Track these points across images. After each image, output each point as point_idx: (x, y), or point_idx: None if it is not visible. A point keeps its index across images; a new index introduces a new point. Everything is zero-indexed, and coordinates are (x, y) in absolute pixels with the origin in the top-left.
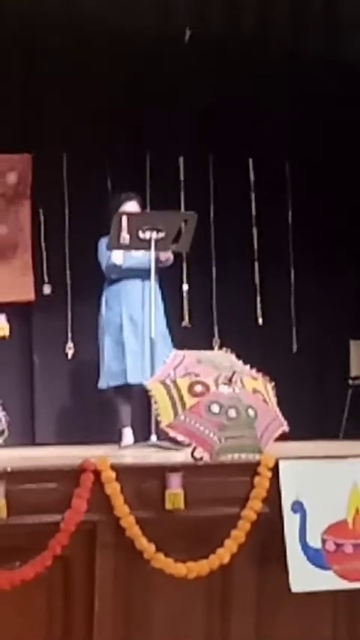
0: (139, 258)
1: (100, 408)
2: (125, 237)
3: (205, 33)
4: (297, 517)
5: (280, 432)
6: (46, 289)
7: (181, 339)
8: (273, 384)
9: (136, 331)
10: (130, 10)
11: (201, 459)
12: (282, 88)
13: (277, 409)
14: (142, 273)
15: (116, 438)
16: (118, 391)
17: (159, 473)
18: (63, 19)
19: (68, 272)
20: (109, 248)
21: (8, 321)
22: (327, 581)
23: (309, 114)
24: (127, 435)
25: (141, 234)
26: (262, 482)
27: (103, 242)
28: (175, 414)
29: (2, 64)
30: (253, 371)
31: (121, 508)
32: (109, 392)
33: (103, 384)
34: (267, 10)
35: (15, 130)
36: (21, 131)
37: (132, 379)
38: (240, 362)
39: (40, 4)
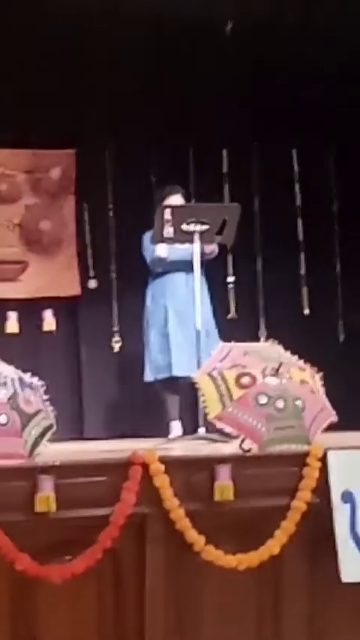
0: (184, 250)
1: (148, 401)
2: (169, 230)
3: (248, 22)
4: (347, 507)
5: (328, 422)
6: (92, 284)
7: (228, 331)
8: (321, 374)
9: (182, 324)
10: (170, 3)
11: (249, 450)
12: (326, 78)
13: (325, 399)
14: (186, 266)
15: (164, 431)
16: (165, 384)
17: (208, 465)
18: (106, 10)
19: (113, 266)
20: (154, 241)
21: (55, 315)
22: None
23: (355, 104)
24: (176, 427)
25: (185, 227)
26: (311, 473)
27: (148, 236)
28: (223, 405)
29: (46, 59)
30: (301, 362)
31: (170, 500)
32: (156, 385)
33: (149, 377)
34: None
35: (59, 125)
36: (64, 126)
37: (178, 372)
38: (287, 353)
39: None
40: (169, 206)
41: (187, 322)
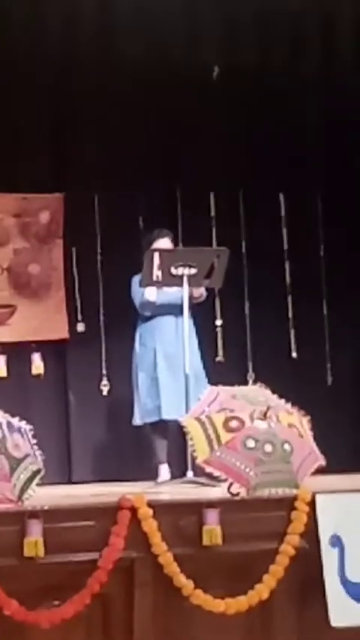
0: (173, 294)
1: (136, 445)
2: (158, 273)
3: (235, 66)
4: (335, 551)
5: (316, 466)
6: (80, 327)
7: (216, 374)
8: (308, 418)
9: (170, 367)
10: (159, 46)
11: (238, 494)
12: (313, 123)
13: (313, 443)
14: (175, 310)
15: (153, 475)
16: (154, 427)
17: (196, 509)
18: (93, 58)
19: (101, 310)
20: (142, 285)
21: (43, 359)
22: None
23: (341, 148)
24: (164, 471)
25: (173, 271)
26: (299, 517)
27: (136, 279)
28: (211, 449)
29: (34, 104)
30: (288, 405)
31: (158, 545)
32: (144, 428)
33: (137, 420)
34: (297, 44)
35: (47, 169)
36: (53, 171)
37: (167, 415)
38: (275, 396)
39: (71, 44)
40: (158, 250)
41: (176, 366)
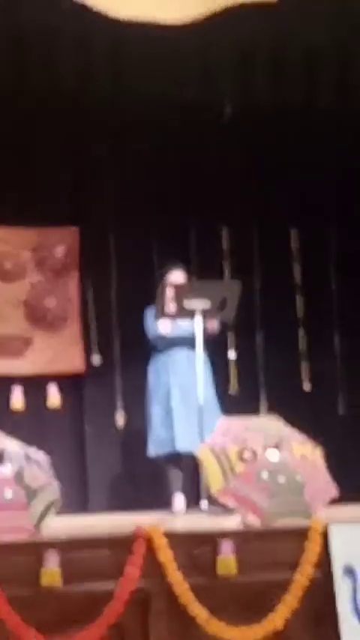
0: (186, 327)
1: (152, 475)
2: (171, 306)
3: (247, 105)
4: (349, 581)
5: (329, 496)
6: (96, 359)
7: (229, 405)
8: (321, 448)
9: (184, 399)
10: (175, 83)
11: (252, 525)
12: (326, 159)
13: (326, 474)
14: (188, 342)
15: (168, 505)
16: (168, 458)
17: (210, 539)
18: (107, 94)
19: (117, 342)
20: (156, 318)
21: (59, 391)
22: None
23: (355, 184)
24: (179, 501)
25: (186, 304)
26: (312, 547)
27: (151, 312)
28: (225, 480)
29: (50, 139)
30: (301, 436)
31: (174, 575)
32: (159, 459)
33: (152, 451)
34: (311, 81)
35: (63, 204)
36: (68, 205)
37: (181, 446)
38: (288, 428)
39: (85, 80)
40: (172, 283)
41: (190, 398)
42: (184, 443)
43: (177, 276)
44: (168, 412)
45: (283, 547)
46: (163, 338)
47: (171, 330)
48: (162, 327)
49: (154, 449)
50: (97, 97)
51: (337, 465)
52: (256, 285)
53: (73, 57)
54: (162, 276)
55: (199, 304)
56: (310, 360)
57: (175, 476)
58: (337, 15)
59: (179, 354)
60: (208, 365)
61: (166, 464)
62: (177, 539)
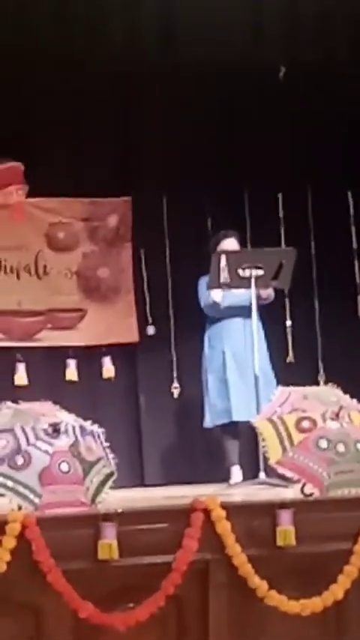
0: (240, 295)
1: (207, 447)
2: (225, 275)
3: (299, 65)
4: None
5: None
6: (150, 330)
7: (287, 374)
8: None
9: (240, 369)
10: (225, 46)
11: (311, 494)
12: None
13: None
14: (243, 311)
15: (225, 476)
16: (225, 429)
17: (269, 510)
18: (156, 61)
19: (171, 312)
20: (209, 287)
21: (113, 363)
22: None
23: None
24: (236, 472)
25: (241, 272)
26: None
27: (204, 281)
28: (284, 450)
29: (101, 108)
30: None
31: (232, 547)
32: (215, 430)
33: (208, 422)
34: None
35: (114, 173)
36: (120, 174)
37: (237, 417)
38: (346, 396)
39: (134, 48)
40: (225, 251)
41: (245, 367)
42: (240, 413)
43: (230, 243)
44: (223, 382)
45: (343, 517)
46: (215, 306)
47: (225, 299)
48: (215, 295)
49: (210, 420)
50: (146, 63)
51: None
52: (313, 251)
53: (122, 22)
54: (214, 244)
55: (253, 272)
56: None
57: (232, 447)
58: None
59: (234, 324)
60: (264, 334)
61: (223, 435)
62: (235, 511)
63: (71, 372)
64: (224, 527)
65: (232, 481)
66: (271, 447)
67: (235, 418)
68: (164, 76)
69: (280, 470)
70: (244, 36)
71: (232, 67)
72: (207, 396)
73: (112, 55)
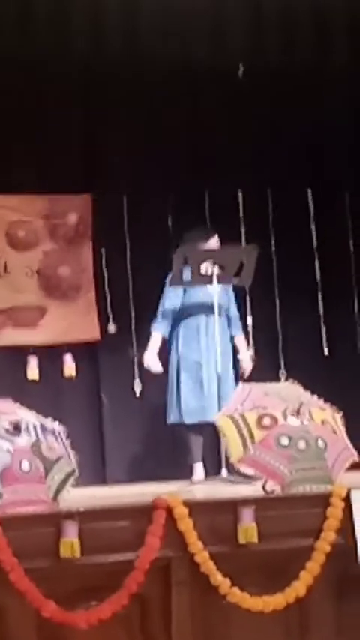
0: (205, 294)
1: (170, 444)
2: (187, 273)
3: (260, 65)
4: None
5: (350, 461)
6: (111, 328)
7: None
8: (341, 414)
9: (210, 368)
10: (186, 45)
11: (273, 491)
12: (339, 118)
13: (347, 439)
14: (206, 309)
15: (187, 474)
16: (191, 427)
17: (231, 507)
18: (119, 59)
19: (132, 310)
20: (171, 284)
21: (75, 361)
22: None
23: None
24: (199, 470)
25: (202, 270)
26: (335, 513)
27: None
28: (245, 447)
29: (62, 105)
30: (321, 402)
31: (195, 544)
32: (179, 427)
33: (172, 419)
34: (321, 42)
35: (75, 170)
36: (80, 172)
37: (212, 417)
38: (307, 393)
39: (98, 45)
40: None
41: (210, 366)
42: (213, 413)
43: (214, 243)
44: (197, 381)
45: (304, 514)
46: (176, 308)
47: (189, 297)
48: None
49: (178, 417)
50: (108, 59)
51: (358, 430)
52: (274, 249)
53: (85, 18)
54: (193, 241)
55: (215, 270)
56: (330, 324)
57: (197, 444)
58: None
59: (201, 321)
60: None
61: (188, 432)
62: (197, 508)
63: (32, 370)
64: (186, 524)
65: (194, 478)
66: (232, 445)
67: (210, 418)
68: (127, 73)
69: (242, 467)
70: (207, 35)
71: (194, 65)
72: (173, 392)
73: (75, 52)
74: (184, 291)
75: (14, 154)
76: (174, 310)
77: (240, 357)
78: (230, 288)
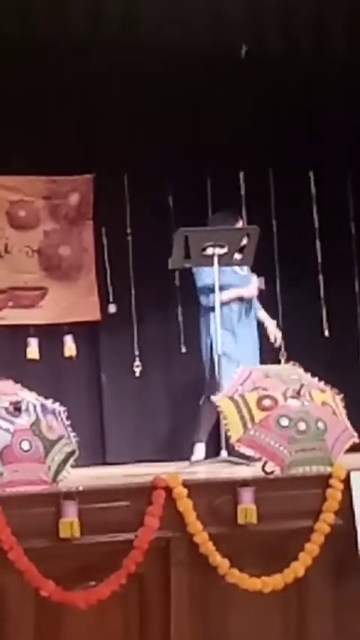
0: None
1: (170, 424)
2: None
3: (260, 48)
4: None
5: (350, 443)
6: (112, 308)
7: None
8: (341, 395)
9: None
10: (186, 28)
11: (272, 472)
12: (340, 101)
13: (347, 421)
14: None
15: (187, 455)
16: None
17: (231, 488)
18: (119, 39)
19: (133, 291)
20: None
21: (75, 341)
22: None
23: None
24: (199, 450)
25: (204, 250)
26: (334, 495)
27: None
28: (245, 428)
29: (62, 86)
30: (321, 383)
31: (194, 524)
32: (202, 403)
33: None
34: (323, 26)
35: (76, 151)
36: (82, 152)
37: None
38: (307, 375)
39: (97, 27)
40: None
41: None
42: None
43: (241, 225)
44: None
45: (304, 495)
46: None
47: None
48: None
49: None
50: (107, 41)
51: (358, 412)
52: (275, 230)
53: (84, 4)
54: (221, 223)
55: (216, 250)
56: (331, 306)
57: (207, 424)
58: None
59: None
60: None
61: (207, 408)
62: (196, 489)
63: (32, 351)
64: (186, 505)
65: (193, 458)
66: (232, 425)
67: None
68: (127, 55)
69: (241, 448)
70: (208, 17)
71: (195, 46)
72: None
73: (74, 35)
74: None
75: (15, 136)
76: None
77: (267, 327)
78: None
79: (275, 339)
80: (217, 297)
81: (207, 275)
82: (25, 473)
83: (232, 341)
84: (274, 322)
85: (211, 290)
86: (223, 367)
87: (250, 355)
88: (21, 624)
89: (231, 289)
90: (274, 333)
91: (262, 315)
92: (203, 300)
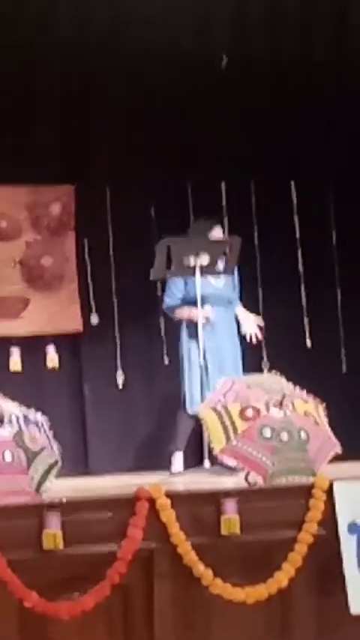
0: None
1: (152, 435)
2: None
3: (244, 56)
4: (354, 538)
5: (333, 453)
6: (94, 319)
7: None
8: (324, 405)
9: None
10: (169, 35)
11: (255, 483)
12: (323, 111)
13: (330, 431)
14: (218, 301)
15: (167, 465)
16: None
17: (214, 499)
18: (103, 49)
19: (115, 301)
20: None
21: (57, 352)
22: None
23: (353, 136)
24: (178, 460)
25: (185, 261)
26: (317, 505)
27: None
28: (227, 439)
29: (47, 96)
30: (304, 393)
31: (177, 535)
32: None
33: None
34: (305, 33)
35: (58, 162)
36: (64, 163)
37: None
38: (290, 385)
39: (82, 34)
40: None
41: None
42: None
43: (218, 232)
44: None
45: (287, 505)
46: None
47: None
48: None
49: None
50: (92, 50)
51: (340, 422)
52: (256, 241)
53: (70, 9)
54: (199, 232)
55: (198, 261)
56: (312, 316)
57: (185, 433)
58: None
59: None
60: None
61: (183, 419)
62: (180, 500)
63: (15, 362)
64: (169, 515)
65: (173, 469)
66: (215, 436)
67: None
68: (110, 63)
69: (224, 458)
70: (192, 25)
71: (177, 57)
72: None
73: (59, 44)
74: (186, 284)
75: None
76: (175, 306)
77: (242, 326)
78: (235, 278)
79: (250, 338)
80: (200, 310)
81: (170, 293)
82: (8, 484)
83: (208, 349)
84: (253, 316)
85: (170, 309)
86: (201, 377)
87: (230, 363)
88: (4, 635)
89: (184, 308)
90: (250, 332)
91: (240, 313)
92: (169, 314)
